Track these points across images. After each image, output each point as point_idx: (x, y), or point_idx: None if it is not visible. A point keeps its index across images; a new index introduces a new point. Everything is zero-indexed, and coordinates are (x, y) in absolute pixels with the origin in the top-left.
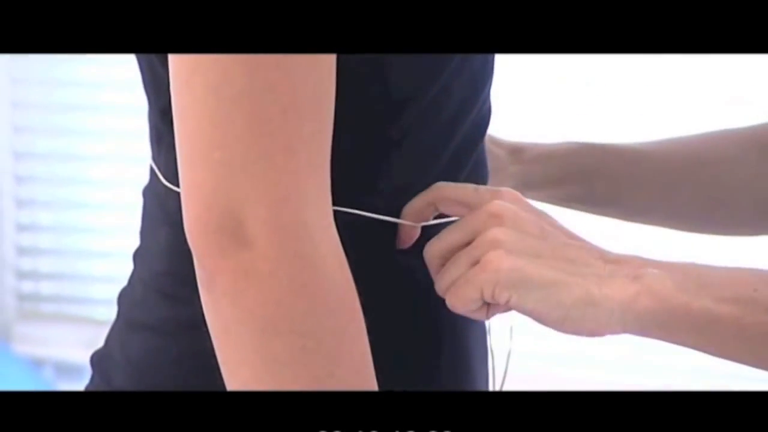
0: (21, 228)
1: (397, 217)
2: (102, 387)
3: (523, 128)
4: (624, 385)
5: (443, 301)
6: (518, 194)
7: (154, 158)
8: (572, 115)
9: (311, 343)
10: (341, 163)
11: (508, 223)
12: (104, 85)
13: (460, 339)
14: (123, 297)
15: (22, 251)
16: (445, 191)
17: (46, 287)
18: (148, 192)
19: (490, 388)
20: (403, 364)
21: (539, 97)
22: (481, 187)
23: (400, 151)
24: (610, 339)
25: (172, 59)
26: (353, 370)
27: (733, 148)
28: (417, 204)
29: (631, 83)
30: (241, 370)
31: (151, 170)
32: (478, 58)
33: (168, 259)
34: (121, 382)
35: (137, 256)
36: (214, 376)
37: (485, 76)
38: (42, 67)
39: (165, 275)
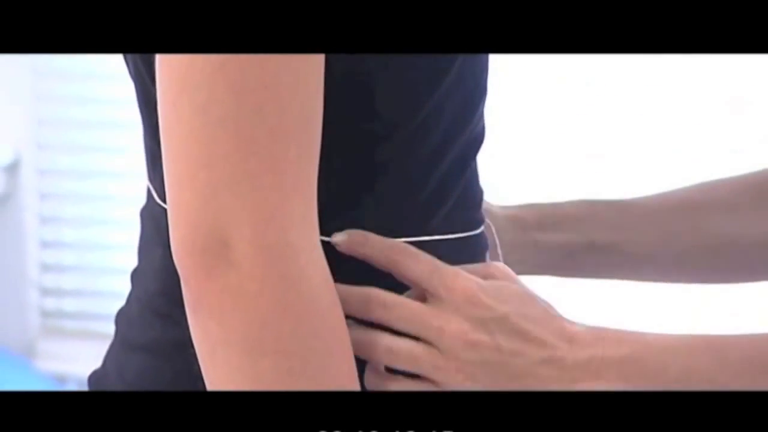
0: (44, 245)
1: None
2: None
3: (523, 128)
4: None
5: None
6: (474, 288)
7: (150, 178)
8: (572, 115)
9: (297, 363)
10: (328, 186)
11: (467, 369)
12: (128, 102)
13: None
14: (120, 317)
15: (45, 268)
16: (401, 265)
17: (69, 304)
18: (144, 212)
19: None
20: None
21: (539, 97)
22: (440, 269)
23: (388, 174)
24: None
25: (160, 79)
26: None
27: (727, 194)
28: (373, 252)
29: (631, 83)
30: None
31: (148, 190)
32: (470, 78)
33: (162, 279)
34: None
35: (134, 275)
36: None
37: (478, 96)
38: (66, 85)
39: (159, 295)
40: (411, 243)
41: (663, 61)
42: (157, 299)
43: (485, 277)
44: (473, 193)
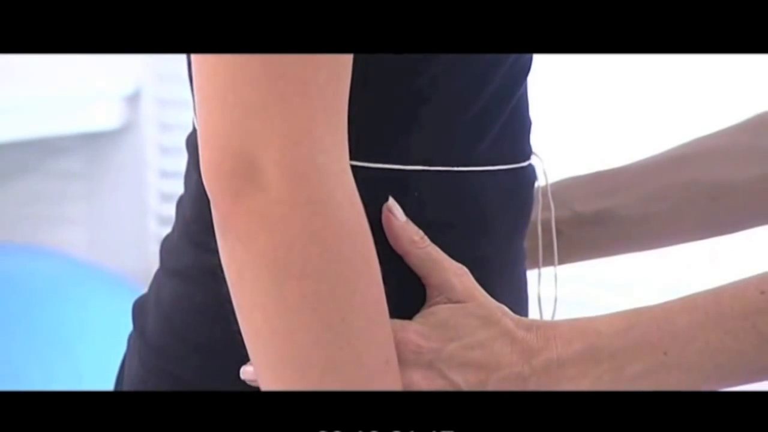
0: (164, 174)
1: (425, 164)
2: (136, 337)
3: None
4: None
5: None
6: (414, 340)
7: (193, 106)
8: (573, 115)
9: (323, 287)
10: (368, 114)
11: None
12: None
13: None
14: (164, 243)
15: (165, 198)
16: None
17: None
18: (188, 140)
19: None
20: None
21: (539, 96)
22: None
23: (428, 102)
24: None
25: None
26: (366, 316)
27: (721, 141)
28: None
29: (630, 83)
30: (253, 315)
31: (193, 120)
32: None
33: (198, 206)
34: (151, 328)
35: (178, 203)
36: (237, 327)
37: None
38: None
39: (194, 222)
40: (457, 173)
41: (663, 61)
42: (192, 226)
43: (442, 293)
44: (521, 121)
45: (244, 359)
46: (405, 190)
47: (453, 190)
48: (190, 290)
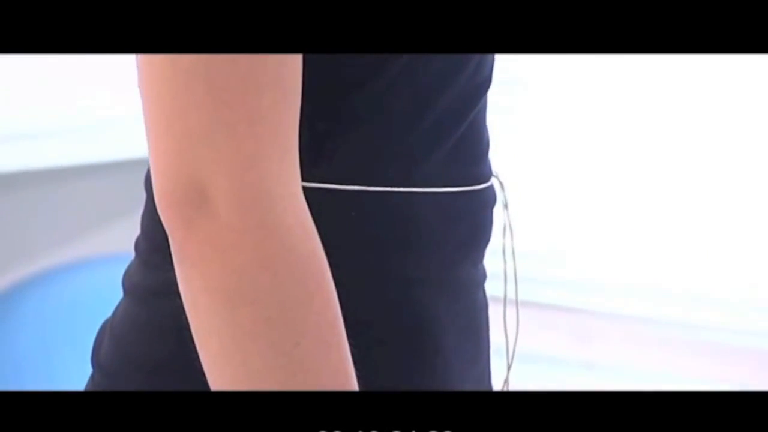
0: None
1: (363, 184)
2: (92, 357)
3: (521, 129)
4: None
5: (415, 275)
6: None
7: None
8: (572, 115)
9: (275, 313)
10: (308, 132)
11: None
12: None
13: (428, 308)
14: (129, 265)
15: None
16: None
17: None
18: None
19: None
20: (363, 330)
21: (537, 96)
22: None
23: (367, 121)
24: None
25: None
26: (320, 340)
27: None
28: None
29: (631, 83)
30: (210, 341)
31: None
32: None
33: (146, 225)
34: (105, 348)
35: None
36: (179, 346)
37: None
38: None
39: (143, 241)
40: (397, 194)
41: (662, 61)
42: (141, 245)
43: None
44: (473, 144)
45: (185, 379)
46: (341, 209)
47: (392, 211)
48: (137, 309)
